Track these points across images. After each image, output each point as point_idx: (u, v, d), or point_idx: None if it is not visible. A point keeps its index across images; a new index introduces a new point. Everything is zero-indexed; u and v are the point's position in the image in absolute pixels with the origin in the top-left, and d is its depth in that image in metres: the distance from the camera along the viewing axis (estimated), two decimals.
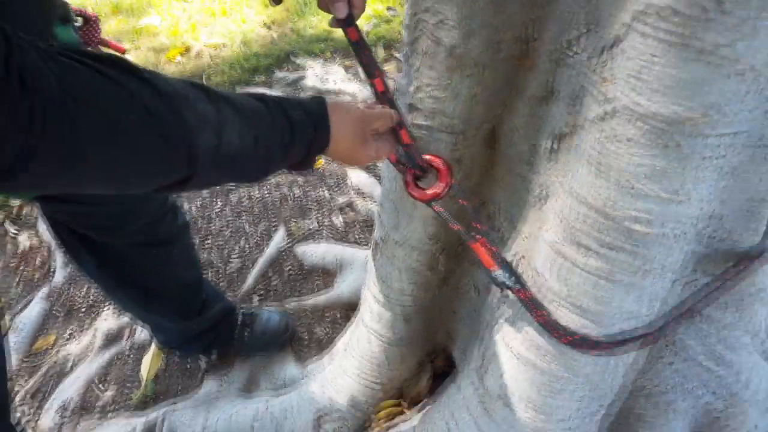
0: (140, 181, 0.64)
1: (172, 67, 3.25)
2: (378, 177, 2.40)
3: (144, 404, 1.60)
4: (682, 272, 0.79)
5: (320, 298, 1.84)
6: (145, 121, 0.58)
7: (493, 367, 0.93)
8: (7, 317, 1.87)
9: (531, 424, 0.89)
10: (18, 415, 1.62)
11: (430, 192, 0.87)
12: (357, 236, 2.14)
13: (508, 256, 0.98)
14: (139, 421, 1.49)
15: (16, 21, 0.80)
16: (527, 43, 0.84)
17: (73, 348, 1.80)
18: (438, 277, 1.18)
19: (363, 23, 3.49)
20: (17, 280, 2.07)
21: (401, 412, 1.34)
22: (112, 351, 1.76)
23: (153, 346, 1.71)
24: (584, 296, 0.76)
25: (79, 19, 1.26)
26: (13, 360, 1.76)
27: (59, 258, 2.11)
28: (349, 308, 1.80)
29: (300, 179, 2.41)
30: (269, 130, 0.71)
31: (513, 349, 0.88)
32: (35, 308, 1.92)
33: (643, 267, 0.72)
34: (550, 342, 0.82)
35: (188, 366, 1.70)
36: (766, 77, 0.63)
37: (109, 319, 1.86)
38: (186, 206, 2.29)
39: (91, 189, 0.62)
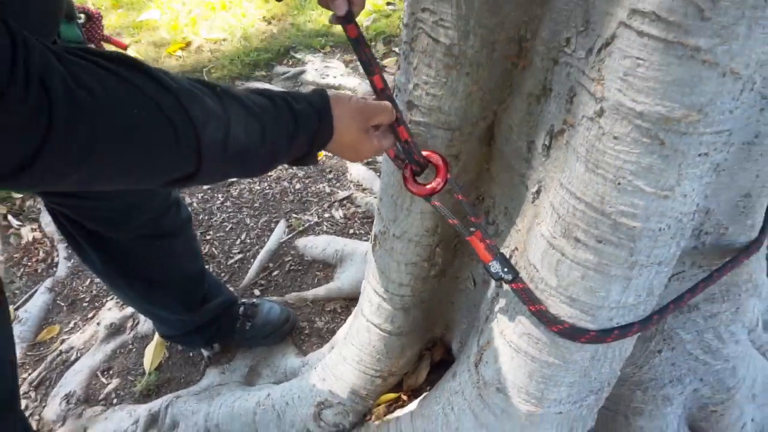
0: (149, 176, 0.66)
1: (172, 61, 3.27)
2: (377, 171, 2.42)
3: (147, 394, 1.64)
4: (671, 264, 0.81)
5: (320, 291, 1.87)
6: (154, 117, 0.60)
7: (488, 356, 0.96)
8: (11, 309, 1.89)
9: (523, 409, 0.92)
10: (23, 404, 1.65)
11: (428, 187, 0.90)
12: (357, 229, 2.17)
13: (504, 249, 1.02)
14: (143, 410, 1.53)
15: (25, 20, 0.82)
16: (521, 43, 0.87)
17: (77, 339, 1.83)
18: (436, 269, 1.21)
19: (362, 18, 3.51)
20: (20, 272, 2.10)
21: (400, 405, 1.37)
22: (116, 342, 1.79)
23: (156, 337, 1.74)
24: (575, 287, 0.79)
25: (82, 16, 1.28)
26: (18, 351, 1.79)
27: (62, 251, 2.14)
28: (349, 300, 1.83)
29: (300, 173, 2.44)
30: (274, 124, 0.73)
31: (507, 337, 0.91)
32: (39, 300, 1.95)
33: (630, 259, 0.75)
34: (543, 331, 0.85)
35: (191, 356, 1.73)
36: (761, 77, 0.66)
37: (112, 310, 1.89)
38: (188, 200, 2.31)
39: (100, 185, 0.64)
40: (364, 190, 2.35)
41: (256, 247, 2.10)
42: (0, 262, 2.11)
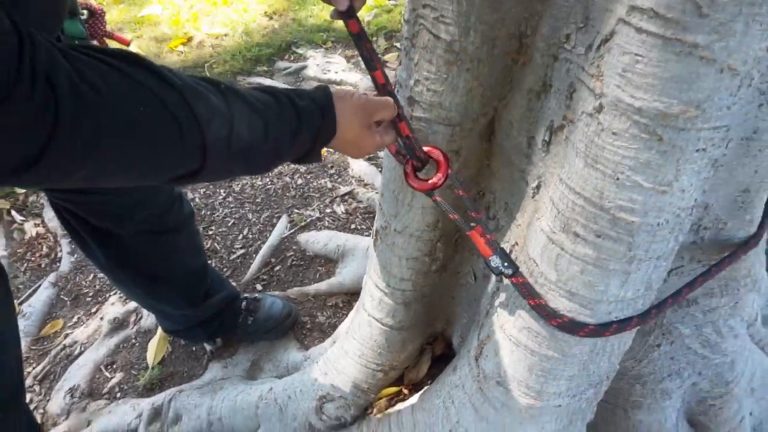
0: (153, 173, 0.66)
1: (174, 56, 3.27)
2: (379, 167, 2.43)
3: (150, 388, 1.65)
4: (670, 259, 0.82)
5: (322, 286, 1.88)
6: (159, 113, 0.60)
7: (488, 350, 0.97)
8: (15, 303, 1.91)
9: (523, 402, 0.93)
10: (28, 398, 1.66)
11: (429, 182, 0.90)
12: (358, 225, 2.17)
13: (504, 244, 1.02)
14: (146, 404, 1.54)
15: (30, 16, 0.83)
16: (521, 39, 0.88)
17: (81, 333, 1.84)
18: (437, 264, 1.22)
19: (364, 13, 3.51)
20: (24, 267, 2.11)
21: (402, 399, 1.38)
22: (119, 336, 1.81)
23: (159, 332, 1.75)
24: (574, 281, 0.80)
25: (85, 12, 1.28)
26: (22, 345, 1.80)
27: (65, 246, 2.15)
28: (350, 295, 1.84)
29: (302, 169, 2.45)
30: (277, 120, 0.73)
31: (507, 331, 0.92)
32: (43, 294, 1.97)
33: (629, 254, 0.75)
34: (542, 325, 0.86)
35: (193, 351, 1.74)
36: (759, 73, 0.67)
37: (115, 305, 1.91)
38: (190, 195, 2.32)
39: (105, 182, 0.64)
40: (365, 185, 2.36)
41: (258, 242, 2.11)
42: (3, 257, 2.12)
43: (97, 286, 2.00)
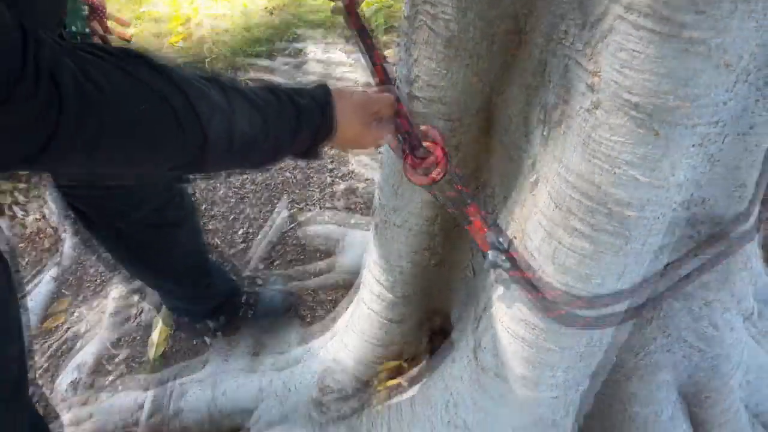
0: (152, 167, 0.68)
1: (174, 51, 3.27)
2: (378, 161, 2.44)
3: (153, 377, 1.66)
4: (666, 252, 0.83)
5: (322, 279, 1.90)
6: (160, 111, 0.61)
7: (486, 342, 0.98)
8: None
9: (520, 393, 0.94)
10: (32, 389, 1.68)
11: (428, 177, 0.91)
12: (358, 219, 2.18)
13: None
14: (148, 395, 1.55)
15: (32, 13, 0.84)
16: (519, 35, 0.89)
17: (83, 324, 1.85)
18: (436, 258, 1.23)
19: (365, 9, 3.51)
20: (26, 261, 2.12)
21: (401, 391, 1.39)
22: (121, 330, 1.82)
23: (160, 325, 1.76)
24: (571, 274, 0.81)
25: (86, 7, 1.29)
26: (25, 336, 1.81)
27: (67, 240, 2.16)
28: (350, 288, 1.85)
29: (302, 164, 2.45)
30: (277, 117, 0.74)
31: (505, 324, 0.93)
32: (45, 287, 1.98)
33: (625, 247, 0.77)
34: (539, 317, 0.87)
35: (194, 344, 1.75)
36: (755, 69, 0.68)
37: (117, 298, 1.92)
38: (190, 190, 2.33)
39: (105, 170, 0.66)
40: (365, 180, 2.37)
41: (258, 236, 2.12)
42: (5, 251, 2.13)
43: (98, 281, 2.01)
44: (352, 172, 2.42)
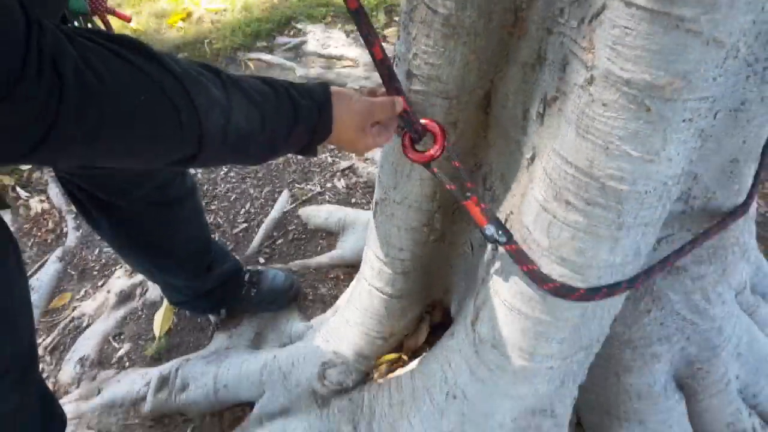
0: (151, 159, 0.68)
1: (173, 32, 3.27)
2: None
3: (158, 358, 1.70)
4: (658, 226, 0.86)
5: (323, 258, 1.92)
6: (159, 102, 0.62)
7: (484, 315, 1.01)
8: None
9: (517, 364, 0.97)
10: (41, 366, 1.71)
11: (426, 154, 0.93)
12: (359, 199, 2.21)
13: (500, 213, 1.05)
14: (154, 372, 1.59)
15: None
16: (516, 13, 0.90)
17: (88, 306, 1.88)
18: (435, 234, 1.25)
19: None
20: (31, 242, 2.15)
21: (401, 365, 1.43)
22: (126, 308, 1.85)
23: (165, 304, 1.79)
24: (565, 248, 0.84)
25: None
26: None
27: (71, 221, 2.19)
28: (351, 267, 1.88)
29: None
30: (275, 114, 0.75)
31: (501, 297, 0.96)
32: (50, 269, 2.01)
33: (618, 221, 0.79)
34: (535, 290, 0.89)
35: (199, 322, 1.79)
36: (745, 45, 0.69)
37: (121, 278, 1.95)
38: (192, 170, 2.35)
39: (103, 162, 0.66)
40: (365, 160, 2.38)
41: (260, 216, 2.14)
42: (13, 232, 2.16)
43: (103, 261, 2.04)
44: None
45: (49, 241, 2.15)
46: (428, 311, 1.46)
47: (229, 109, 0.69)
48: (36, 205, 2.28)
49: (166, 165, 0.70)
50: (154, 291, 1.87)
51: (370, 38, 0.83)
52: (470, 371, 1.07)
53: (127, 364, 1.71)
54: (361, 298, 1.37)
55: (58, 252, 2.06)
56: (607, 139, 0.74)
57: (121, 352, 1.73)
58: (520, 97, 0.96)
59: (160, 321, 1.78)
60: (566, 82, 0.81)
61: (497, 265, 0.99)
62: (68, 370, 1.69)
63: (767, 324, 1.39)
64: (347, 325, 1.40)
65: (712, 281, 1.15)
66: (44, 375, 1.69)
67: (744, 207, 1.03)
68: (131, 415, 1.55)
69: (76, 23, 1.18)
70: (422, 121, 0.94)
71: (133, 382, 1.59)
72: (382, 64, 0.86)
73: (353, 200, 2.20)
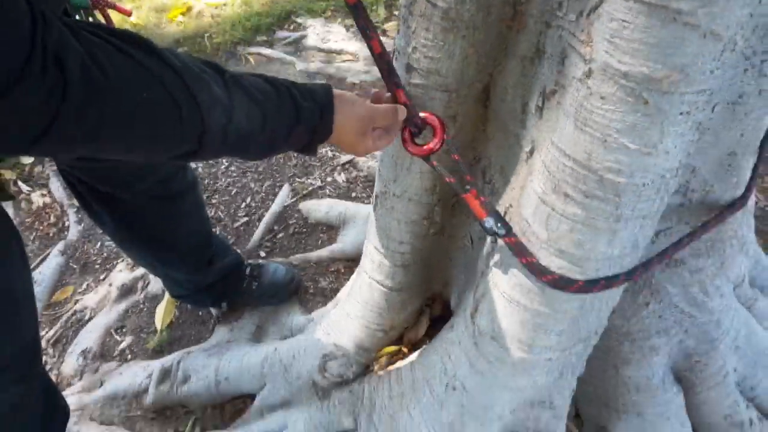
0: (151, 152, 0.68)
1: (173, 27, 3.27)
2: None
3: (160, 351, 1.71)
4: (655, 219, 0.86)
5: (324, 252, 1.93)
6: (162, 99, 0.62)
7: (483, 307, 1.02)
8: None
9: (516, 356, 0.98)
10: (44, 359, 1.73)
11: (425, 147, 0.94)
12: (359, 193, 2.21)
13: (499, 206, 1.06)
14: (156, 365, 1.60)
15: None
16: (515, 6, 0.90)
17: (90, 299, 1.90)
18: (435, 227, 1.26)
19: None
20: (33, 236, 2.16)
21: (401, 357, 1.44)
22: (128, 302, 1.86)
23: (166, 297, 1.80)
24: (564, 240, 0.84)
25: None
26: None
27: (72, 215, 2.19)
28: (352, 261, 1.89)
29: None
30: (276, 113, 0.76)
31: (501, 289, 0.97)
32: (52, 262, 2.02)
33: (615, 213, 0.79)
34: (534, 282, 0.90)
35: (200, 315, 1.80)
36: (742, 38, 0.70)
37: (123, 272, 1.96)
38: (192, 165, 2.35)
39: (105, 156, 0.66)
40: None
41: (261, 210, 2.15)
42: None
43: (105, 254, 2.05)
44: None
45: (50, 234, 2.16)
46: (428, 304, 1.47)
47: (230, 108, 0.69)
48: (38, 199, 2.29)
49: (167, 159, 0.70)
50: (155, 284, 1.88)
51: (368, 32, 0.83)
52: (469, 363, 1.07)
53: (129, 356, 1.72)
54: (362, 291, 1.37)
55: (60, 246, 2.07)
56: (605, 132, 0.75)
57: (123, 345, 1.74)
58: (519, 91, 0.97)
59: (161, 314, 1.79)
60: (565, 75, 0.81)
61: (496, 257, 1.00)
62: (71, 363, 1.70)
63: (765, 317, 1.40)
64: (348, 318, 1.41)
65: (711, 274, 1.16)
66: (47, 368, 1.70)
67: (742, 200, 1.04)
68: (133, 407, 1.56)
69: (77, 17, 1.19)
70: (421, 114, 0.95)
71: (135, 374, 1.60)
72: (381, 58, 0.86)
73: (354, 194, 2.21)
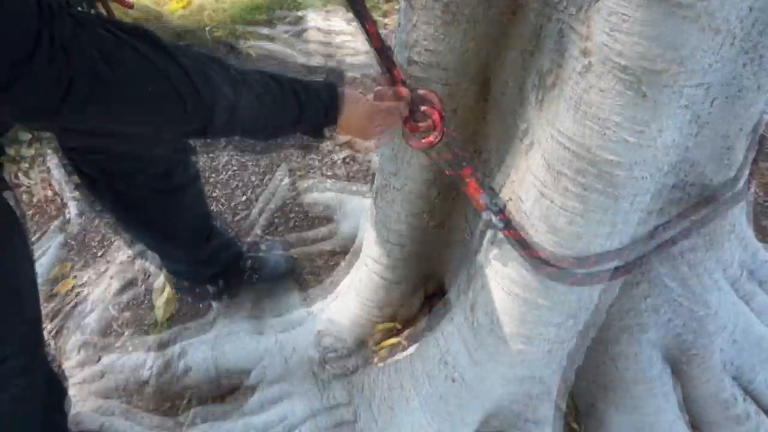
0: (155, 133, 0.71)
1: (174, 20, 3.26)
2: None
3: (160, 342, 1.71)
4: (654, 211, 0.87)
5: (325, 244, 1.93)
6: (167, 93, 0.63)
7: (482, 299, 1.03)
8: None
9: (514, 347, 0.99)
10: (46, 349, 1.73)
11: (425, 141, 0.94)
12: (359, 186, 2.21)
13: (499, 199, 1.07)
14: (157, 355, 1.61)
15: None
16: (515, 0, 0.90)
17: (91, 289, 1.90)
18: (435, 220, 1.26)
19: None
20: (33, 228, 2.16)
21: (401, 349, 1.44)
22: (128, 294, 1.86)
23: (167, 290, 1.81)
24: (562, 232, 0.85)
25: None
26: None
27: (73, 207, 2.20)
28: (351, 252, 1.90)
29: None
30: (280, 111, 0.77)
31: (500, 281, 0.97)
32: (53, 253, 2.02)
33: (614, 206, 0.80)
34: (533, 275, 0.91)
35: (200, 308, 1.80)
36: (742, 32, 0.70)
37: (124, 263, 1.96)
38: (193, 158, 2.35)
39: (113, 128, 0.67)
40: (365, 146, 2.38)
41: (261, 203, 2.15)
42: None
43: (105, 245, 2.05)
44: (353, 138, 2.44)
45: (51, 226, 2.16)
46: (424, 298, 1.47)
47: (235, 103, 0.71)
48: (38, 191, 2.29)
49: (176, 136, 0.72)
50: (156, 276, 1.88)
51: (367, 27, 0.84)
52: (469, 355, 1.08)
53: (130, 347, 1.72)
54: (361, 282, 1.38)
55: (61, 238, 2.08)
56: (604, 125, 0.75)
57: (123, 336, 1.75)
58: (519, 84, 0.97)
59: (162, 306, 1.80)
60: (564, 68, 0.82)
61: (495, 250, 1.00)
62: (72, 353, 1.71)
63: (763, 311, 1.41)
64: (347, 306, 1.41)
65: (708, 268, 1.16)
66: (48, 358, 1.71)
67: (740, 194, 1.04)
68: (134, 397, 1.57)
69: (79, 9, 1.19)
70: (422, 108, 0.95)
71: (136, 365, 1.61)
72: (380, 50, 0.87)
73: (354, 187, 2.21)
